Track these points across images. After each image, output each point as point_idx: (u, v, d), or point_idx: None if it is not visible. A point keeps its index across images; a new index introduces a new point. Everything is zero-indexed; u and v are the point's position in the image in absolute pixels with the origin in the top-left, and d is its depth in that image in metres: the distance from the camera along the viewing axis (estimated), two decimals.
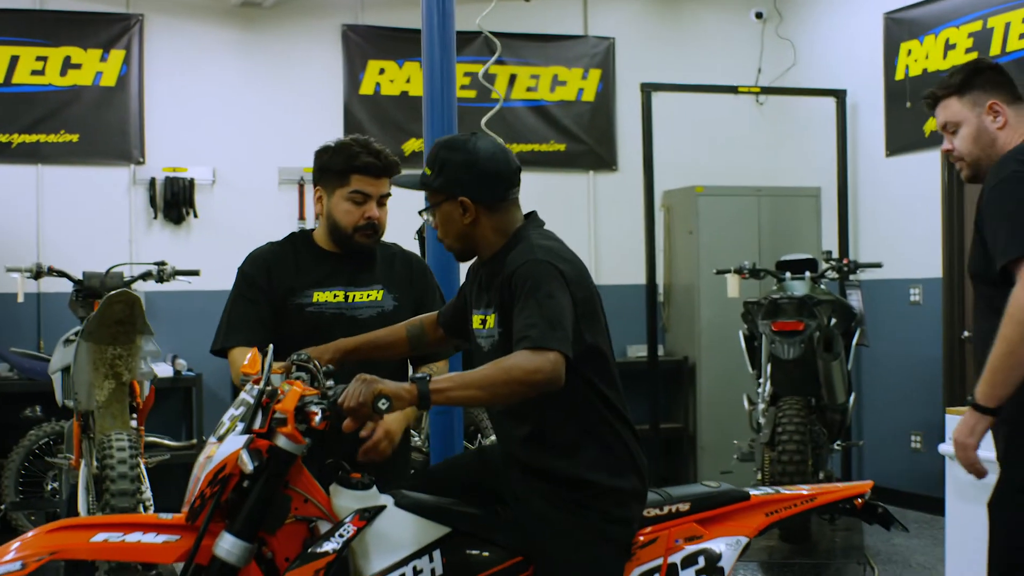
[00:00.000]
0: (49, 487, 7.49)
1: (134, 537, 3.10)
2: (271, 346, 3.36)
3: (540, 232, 3.43)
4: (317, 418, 3.11)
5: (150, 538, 3.12)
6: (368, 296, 4.05)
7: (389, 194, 4.09)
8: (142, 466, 5.67)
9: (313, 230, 4.19)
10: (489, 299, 3.42)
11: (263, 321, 4.00)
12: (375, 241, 4.08)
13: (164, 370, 8.16)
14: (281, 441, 3.17)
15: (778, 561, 7.23)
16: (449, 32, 5.43)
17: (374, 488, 3.31)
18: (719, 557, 3.46)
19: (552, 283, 3.20)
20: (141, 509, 5.56)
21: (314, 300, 4.01)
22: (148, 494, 5.65)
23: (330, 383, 3.24)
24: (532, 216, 3.51)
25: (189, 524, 3.15)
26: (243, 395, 3.27)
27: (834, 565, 7.24)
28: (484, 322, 3.43)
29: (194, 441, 8.58)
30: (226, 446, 3.15)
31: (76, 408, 6.02)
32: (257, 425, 3.18)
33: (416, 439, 7.28)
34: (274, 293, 4.02)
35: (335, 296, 4.03)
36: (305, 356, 3.44)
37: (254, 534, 3.16)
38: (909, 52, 8.99)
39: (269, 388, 3.23)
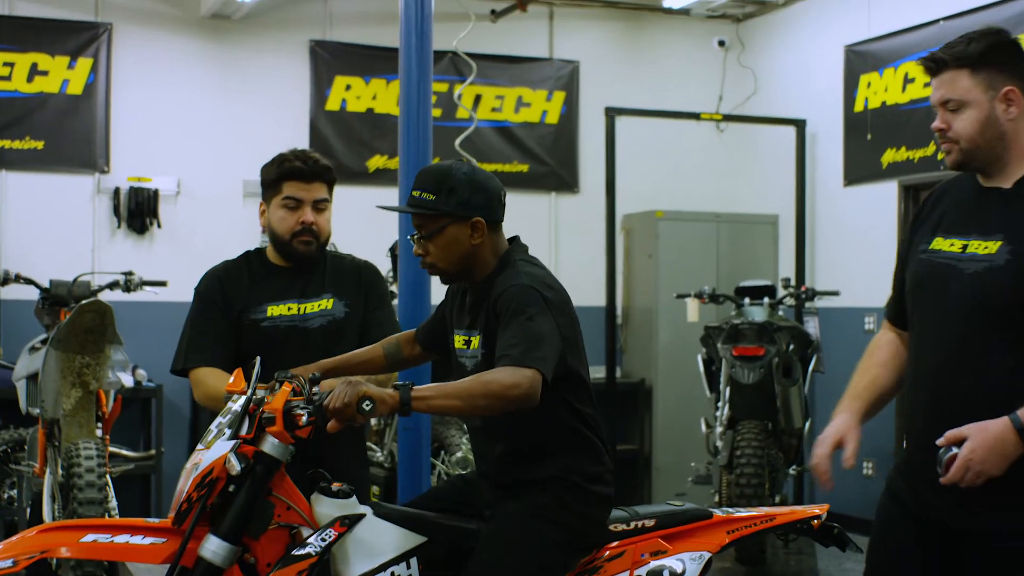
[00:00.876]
0: (6, 495, 7.44)
1: (122, 539, 3.18)
2: (259, 358, 3.45)
3: (526, 258, 3.56)
4: (303, 419, 3.21)
5: (138, 540, 3.19)
6: (319, 306, 4.12)
7: (326, 199, 4.14)
8: (108, 476, 5.66)
9: (267, 247, 4.26)
10: (473, 320, 3.53)
11: (221, 340, 4.08)
12: (316, 248, 4.13)
13: (126, 380, 8.13)
14: (267, 446, 3.26)
15: None
16: (427, 52, 5.50)
17: (354, 498, 3.41)
18: (683, 571, 3.57)
19: (536, 308, 3.31)
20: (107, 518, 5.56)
21: (268, 315, 4.08)
22: (114, 503, 5.64)
23: (316, 390, 3.33)
24: (516, 241, 3.63)
25: (175, 528, 3.22)
26: (230, 404, 3.34)
27: None
28: (468, 343, 3.53)
29: (152, 452, 8.57)
30: (213, 451, 3.24)
31: (42, 416, 6.01)
32: (244, 431, 3.27)
33: (378, 455, 7.32)
34: (230, 310, 4.09)
35: (288, 309, 4.10)
36: (288, 374, 3.51)
37: (239, 537, 3.24)
38: (869, 84, 9.16)
39: (256, 397, 3.31)
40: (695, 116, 9.81)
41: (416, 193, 3.50)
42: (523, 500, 3.43)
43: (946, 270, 3.14)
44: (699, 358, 8.40)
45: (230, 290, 4.11)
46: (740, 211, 10.22)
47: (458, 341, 3.59)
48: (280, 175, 4.10)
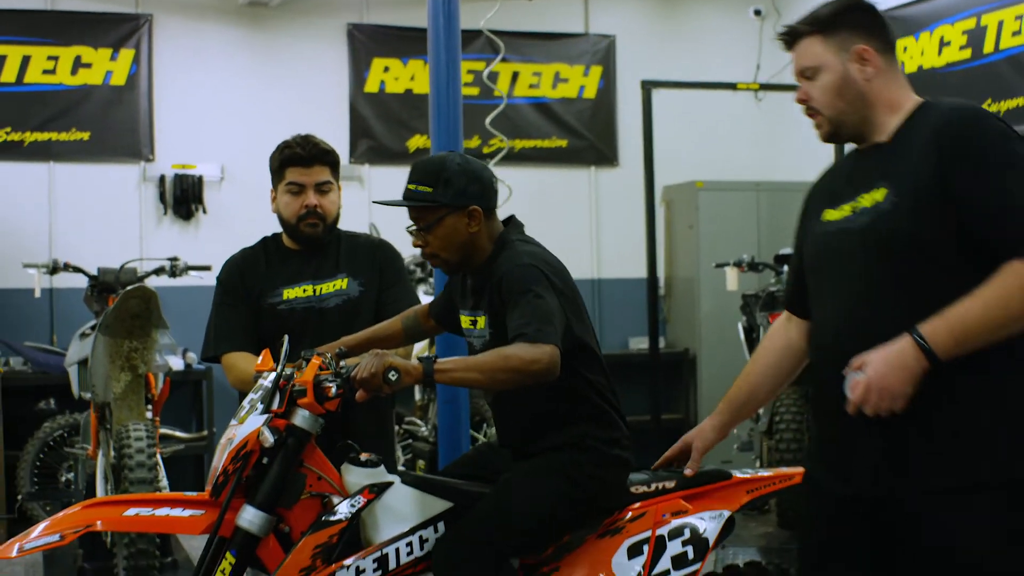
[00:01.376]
0: (63, 478, 7.66)
1: (163, 512, 3.32)
2: (286, 336, 3.57)
3: (522, 237, 3.65)
4: (332, 391, 3.34)
5: (177, 512, 3.33)
6: (334, 286, 4.22)
7: (329, 181, 4.22)
8: (158, 456, 5.82)
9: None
10: (477, 302, 3.63)
11: (245, 325, 4.21)
12: (322, 230, 4.22)
13: (175, 363, 8.32)
14: (298, 419, 3.39)
15: (776, 547, 7.38)
16: (454, 32, 5.57)
17: (382, 467, 3.54)
18: (704, 529, 3.66)
19: (539, 284, 3.41)
20: None
21: (284, 297, 4.20)
22: (164, 483, 5.80)
23: (343, 363, 3.45)
24: (512, 221, 3.72)
25: (213, 500, 3.36)
26: (261, 381, 3.47)
27: None
28: (475, 323, 3.65)
29: (204, 433, 8.75)
30: (246, 426, 3.38)
31: (93, 400, 6.18)
32: (275, 406, 3.39)
33: (422, 429, 7.45)
34: (249, 296, 4.22)
35: (304, 291, 4.20)
36: (314, 352, 3.63)
37: (273, 507, 3.37)
38: (904, 49, 9.14)
39: (286, 373, 3.43)
40: (732, 86, 9.82)
41: (412, 186, 3.58)
42: (539, 457, 3.54)
43: (841, 235, 3.00)
44: (740, 326, 8.45)
45: (248, 276, 4.23)
46: (780, 179, 10.22)
47: (464, 321, 3.70)
48: (281, 162, 4.21)
